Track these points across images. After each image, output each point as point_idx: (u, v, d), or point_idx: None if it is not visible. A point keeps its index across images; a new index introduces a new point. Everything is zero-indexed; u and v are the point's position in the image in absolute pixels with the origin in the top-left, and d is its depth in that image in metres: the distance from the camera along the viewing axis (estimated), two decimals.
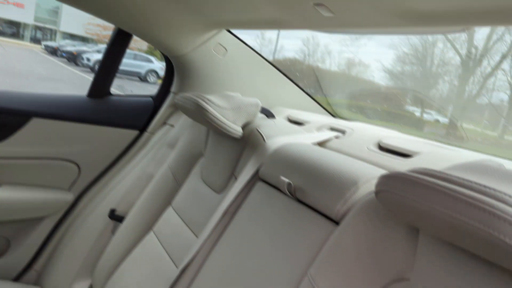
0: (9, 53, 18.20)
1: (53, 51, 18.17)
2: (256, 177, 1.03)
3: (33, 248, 1.47)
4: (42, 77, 11.37)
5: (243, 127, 1.15)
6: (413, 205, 0.51)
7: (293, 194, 0.87)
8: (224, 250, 0.97)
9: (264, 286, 0.81)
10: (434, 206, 0.47)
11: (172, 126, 1.57)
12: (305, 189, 0.85)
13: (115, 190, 1.49)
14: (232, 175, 1.16)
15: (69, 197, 1.50)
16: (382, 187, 0.55)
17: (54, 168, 1.46)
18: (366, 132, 1.12)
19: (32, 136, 1.40)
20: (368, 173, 0.80)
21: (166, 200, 1.33)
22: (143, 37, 1.41)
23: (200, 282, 0.97)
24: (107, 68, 1.54)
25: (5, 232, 1.43)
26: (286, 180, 0.87)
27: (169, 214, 1.30)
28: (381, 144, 1.03)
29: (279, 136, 1.09)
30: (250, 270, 0.86)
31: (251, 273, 0.86)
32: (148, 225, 1.32)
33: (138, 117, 1.58)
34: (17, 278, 1.46)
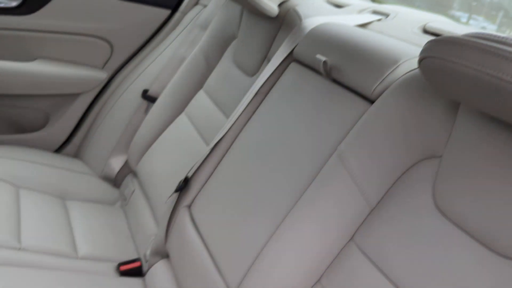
0: None
1: None
2: (290, 58, 1.00)
3: (71, 123, 1.53)
4: None
5: (279, 6, 1.09)
6: (461, 71, 0.47)
7: (328, 73, 0.84)
8: (254, 129, 0.98)
9: (292, 162, 0.82)
10: (485, 70, 0.44)
11: (204, 6, 1.51)
12: (341, 68, 0.82)
13: (148, 71, 1.49)
14: (266, 58, 1.12)
15: (103, 75, 1.52)
16: (428, 53, 0.51)
17: (87, 45, 1.46)
18: (411, 16, 1.04)
19: (63, 9, 1.38)
20: (410, 53, 0.76)
21: (197, 83, 1.33)
22: None
23: (229, 159, 1.00)
24: None
25: (44, 106, 1.49)
26: (322, 58, 0.84)
27: (201, 96, 1.30)
28: (426, 28, 0.96)
29: (317, 16, 1.03)
30: (278, 147, 0.87)
31: (279, 150, 0.86)
32: (179, 107, 1.33)
33: None
34: (57, 150, 1.55)
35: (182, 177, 1.06)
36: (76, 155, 1.56)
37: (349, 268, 0.68)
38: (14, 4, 1.33)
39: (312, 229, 0.71)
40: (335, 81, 0.84)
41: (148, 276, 1.04)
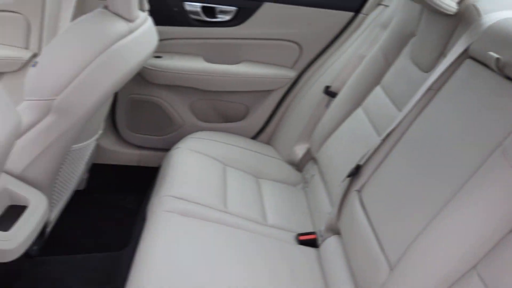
0: None
1: None
2: (466, 55, 1.01)
3: (265, 115, 1.82)
4: None
5: (459, 3, 1.10)
6: None
7: (501, 70, 0.85)
8: (424, 123, 1.04)
9: (457, 154, 0.86)
10: None
11: (386, 6, 1.58)
12: None
13: (330, 69, 1.66)
14: (442, 54, 1.15)
15: (293, 74, 1.75)
16: None
17: (280, 48, 1.71)
18: None
19: (263, 20, 1.65)
20: None
21: (375, 79, 1.42)
22: None
23: (399, 149, 1.08)
24: None
25: (245, 100, 1.81)
26: (495, 55, 0.85)
27: (377, 92, 1.39)
28: None
29: (499, 10, 1.01)
30: (445, 140, 0.92)
31: (445, 142, 0.91)
32: (357, 102, 1.45)
33: None
34: (254, 137, 1.86)
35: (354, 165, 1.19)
36: (269, 142, 1.84)
37: (507, 259, 0.70)
38: (227, 18, 1.67)
39: (469, 219, 0.76)
40: (509, 78, 0.84)
41: (322, 248, 1.20)
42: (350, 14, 1.66)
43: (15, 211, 1.03)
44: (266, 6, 1.63)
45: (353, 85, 1.49)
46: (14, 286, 1.12)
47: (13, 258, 0.93)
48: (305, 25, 1.67)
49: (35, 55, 1.62)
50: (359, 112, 1.43)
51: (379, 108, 1.34)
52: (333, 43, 1.70)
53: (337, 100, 1.54)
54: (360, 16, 1.66)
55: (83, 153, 1.37)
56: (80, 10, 1.40)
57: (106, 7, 1.15)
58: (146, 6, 1.35)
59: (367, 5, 1.64)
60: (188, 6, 1.63)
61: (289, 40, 1.70)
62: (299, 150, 1.65)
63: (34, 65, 1.01)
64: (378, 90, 1.40)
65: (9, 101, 0.60)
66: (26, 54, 1.61)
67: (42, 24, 1.56)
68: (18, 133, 0.60)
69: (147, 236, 1.08)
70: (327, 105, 1.60)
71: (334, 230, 1.21)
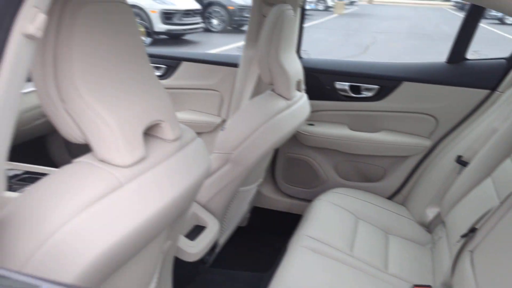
0: (419, 15, 19.71)
1: (462, 7, 18.13)
2: None
3: (401, 178, 2.01)
4: (447, 36, 11.83)
5: None
6: None
7: None
8: None
9: None
10: None
11: None
12: None
13: (464, 140, 1.78)
14: None
15: (428, 143, 1.93)
16: None
17: (417, 120, 1.92)
18: None
19: (402, 96, 1.91)
20: None
21: (506, 152, 1.52)
22: (497, 8, 1.57)
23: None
24: (465, 36, 1.80)
25: (383, 164, 2.04)
26: None
27: (507, 164, 1.49)
28: None
29: None
30: None
31: None
32: (487, 172, 1.56)
33: (490, 77, 1.77)
34: (389, 197, 2.05)
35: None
36: (403, 203, 2.01)
37: None
38: (370, 94, 1.97)
39: None
40: None
41: None
42: (486, 91, 1.79)
43: (198, 229, 1.49)
44: (405, 84, 1.89)
45: (484, 156, 1.60)
46: (190, 285, 1.57)
47: (194, 260, 1.37)
48: (442, 101, 1.86)
49: (223, 121, 2.19)
50: (488, 181, 1.53)
51: (507, 179, 1.43)
52: (468, 117, 1.84)
53: (468, 169, 1.65)
54: (496, 93, 1.77)
55: (247, 195, 1.80)
56: (256, 90, 1.90)
57: (273, 90, 1.60)
58: (303, 87, 1.77)
59: (504, 84, 1.75)
60: (338, 85, 2.00)
61: (426, 114, 1.90)
62: (430, 213, 1.78)
63: (222, 129, 1.48)
64: (508, 162, 1.49)
65: (207, 151, 1.02)
66: (217, 120, 2.19)
67: (230, 99, 2.12)
68: (208, 174, 1.01)
69: (285, 263, 1.40)
70: (459, 173, 1.72)
71: (448, 286, 1.33)
